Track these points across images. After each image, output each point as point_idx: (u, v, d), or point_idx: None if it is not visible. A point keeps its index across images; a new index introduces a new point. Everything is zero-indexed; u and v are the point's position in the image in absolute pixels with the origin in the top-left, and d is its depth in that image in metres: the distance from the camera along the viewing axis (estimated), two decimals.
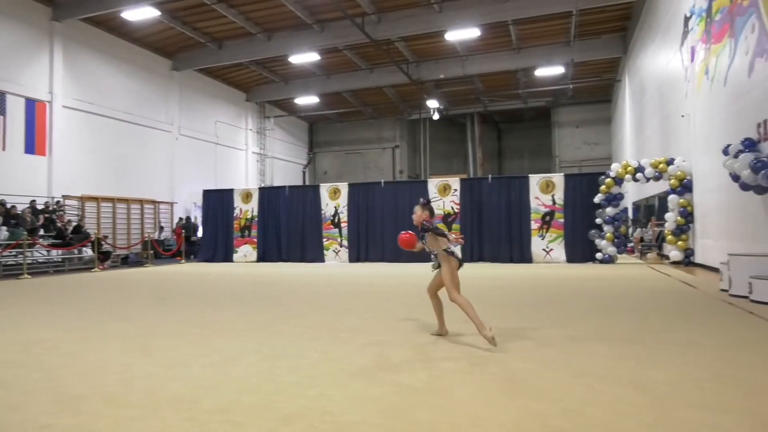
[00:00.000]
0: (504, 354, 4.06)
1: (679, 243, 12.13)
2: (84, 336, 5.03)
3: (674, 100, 13.24)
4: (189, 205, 21.81)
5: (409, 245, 4.84)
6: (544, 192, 14.47)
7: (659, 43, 14.66)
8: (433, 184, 15.64)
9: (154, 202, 20.14)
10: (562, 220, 14.26)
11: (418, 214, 4.76)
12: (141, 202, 19.51)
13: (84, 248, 15.02)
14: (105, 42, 18.24)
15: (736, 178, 8.05)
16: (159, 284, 10.24)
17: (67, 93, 16.95)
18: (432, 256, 4.70)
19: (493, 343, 4.15)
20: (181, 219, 20.44)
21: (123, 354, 4.27)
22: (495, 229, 14.82)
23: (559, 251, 14.23)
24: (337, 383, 3.38)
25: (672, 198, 12.31)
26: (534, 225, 14.47)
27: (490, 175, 19.13)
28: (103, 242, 15.42)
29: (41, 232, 14.49)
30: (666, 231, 12.59)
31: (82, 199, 17.30)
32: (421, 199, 4.85)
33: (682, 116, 12.32)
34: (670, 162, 12.54)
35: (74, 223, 15.76)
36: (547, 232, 14.40)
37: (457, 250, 5.01)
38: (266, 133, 27.79)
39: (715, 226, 10.48)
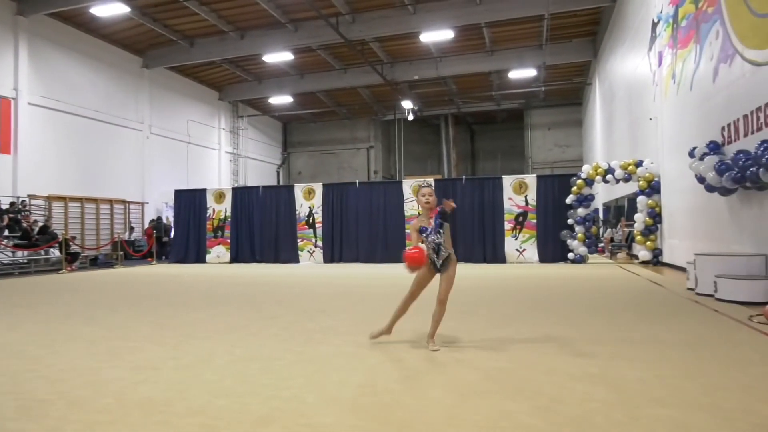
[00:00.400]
0: (476, 353, 4.10)
1: (648, 243, 12.40)
2: (50, 339, 4.90)
3: (643, 104, 13.54)
4: (160, 205, 21.44)
5: (419, 263, 4.01)
6: (517, 193, 14.65)
7: (628, 47, 14.97)
8: (408, 185, 15.67)
9: (124, 201, 19.74)
10: (534, 221, 14.45)
11: (434, 198, 4.12)
12: (110, 201, 19.11)
13: (51, 249, 14.64)
14: (73, 38, 17.81)
15: (701, 180, 8.27)
16: (129, 286, 10.04)
17: (33, 90, 16.50)
18: (440, 255, 4.19)
19: (429, 348, 4.17)
20: (152, 220, 20.09)
21: (90, 357, 4.17)
22: (469, 230, 14.94)
23: (531, 251, 14.42)
24: (312, 385, 3.36)
25: (641, 199, 12.58)
26: (507, 225, 14.63)
27: (464, 176, 19.27)
28: (71, 243, 15.05)
29: (6, 232, 14.07)
30: (635, 231, 12.86)
31: (49, 199, 16.86)
32: (429, 181, 4.27)
33: (650, 119, 12.61)
34: (638, 164, 12.81)
35: (41, 224, 15.35)
36: (520, 232, 14.57)
37: None
38: (239, 133, 27.50)
39: (682, 227, 10.75)
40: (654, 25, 12.09)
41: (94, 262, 16.79)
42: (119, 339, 4.87)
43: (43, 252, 14.46)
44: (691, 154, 8.76)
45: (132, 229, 19.78)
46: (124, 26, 18.16)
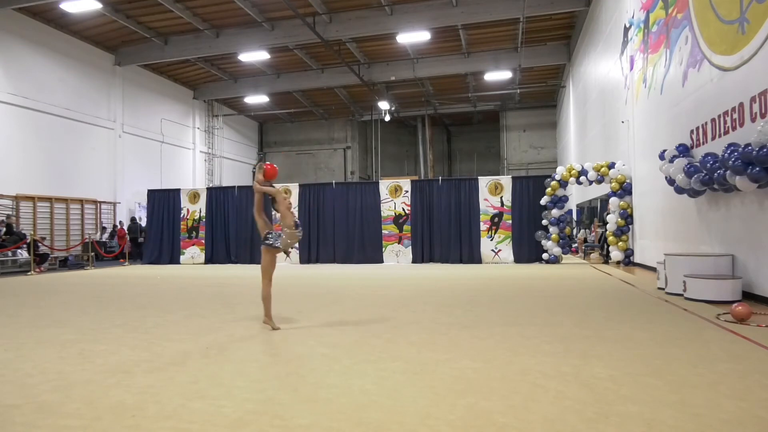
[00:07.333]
0: (452, 353, 4.13)
1: (620, 244, 12.62)
2: (17, 342, 4.78)
3: (615, 107, 13.79)
4: (133, 205, 21.07)
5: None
6: (493, 194, 14.78)
7: (601, 51, 15.23)
8: (385, 186, 15.69)
9: (95, 201, 19.34)
10: (510, 222, 14.60)
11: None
12: (81, 201, 18.69)
13: (19, 250, 14.26)
14: (42, 34, 17.37)
15: (671, 181, 8.46)
16: (100, 288, 9.84)
17: (0, 87, 16.05)
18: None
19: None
20: (121, 222, 19.69)
21: (59, 360, 4.08)
22: (445, 230, 15.03)
23: (507, 252, 14.56)
24: (287, 386, 3.34)
25: (613, 200, 12.80)
26: (483, 226, 14.75)
27: (440, 177, 19.36)
28: (39, 244, 14.69)
29: None
30: (608, 232, 13.08)
31: (17, 199, 16.41)
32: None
33: (622, 122, 12.85)
34: (611, 166, 13.04)
35: (7, 224, 14.94)
36: (495, 233, 14.70)
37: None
38: (215, 132, 27.18)
39: (653, 228, 10.98)
40: (626, 29, 12.33)
41: (64, 264, 16.42)
42: (90, 342, 4.78)
43: (10, 253, 14.09)
44: (661, 157, 8.95)
45: (104, 229, 19.40)
46: (96, 22, 17.79)
